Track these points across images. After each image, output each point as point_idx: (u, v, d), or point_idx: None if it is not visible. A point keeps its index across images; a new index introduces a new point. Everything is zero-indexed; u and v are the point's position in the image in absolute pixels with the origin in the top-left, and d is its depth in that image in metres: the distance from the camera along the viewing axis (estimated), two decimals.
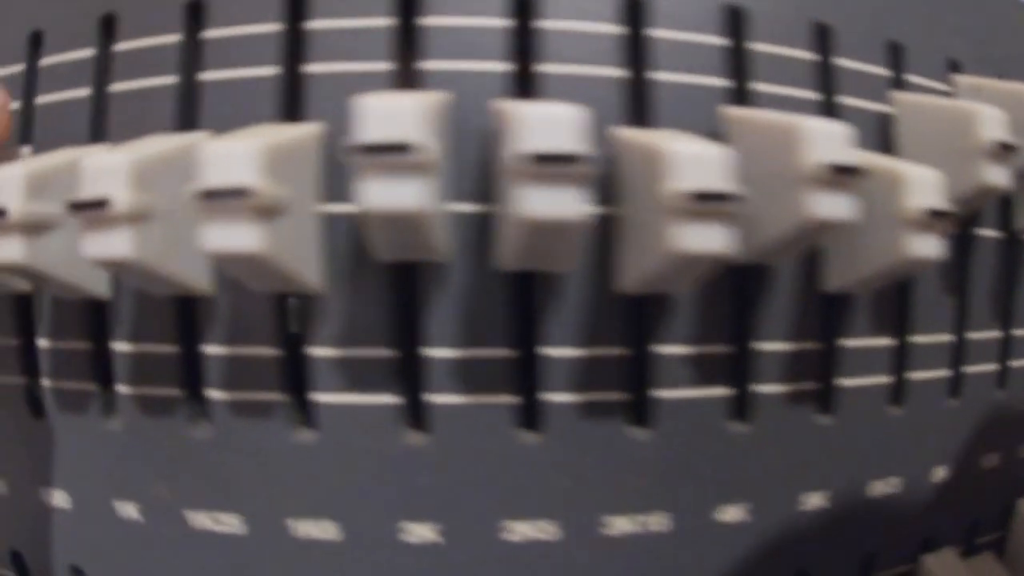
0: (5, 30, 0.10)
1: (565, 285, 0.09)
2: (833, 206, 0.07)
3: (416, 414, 0.09)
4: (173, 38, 0.09)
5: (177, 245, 0.08)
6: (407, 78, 0.09)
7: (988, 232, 0.10)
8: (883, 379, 0.10)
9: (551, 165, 0.06)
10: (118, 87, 0.10)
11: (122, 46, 0.10)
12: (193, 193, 0.07)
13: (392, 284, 0.09)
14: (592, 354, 0.08)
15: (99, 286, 0.09)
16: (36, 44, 0.10)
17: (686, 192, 0.07)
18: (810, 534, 0.10)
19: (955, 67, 0.10)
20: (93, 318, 0.10)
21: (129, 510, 0.10)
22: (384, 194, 0.07)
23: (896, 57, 0.10)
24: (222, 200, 0.07)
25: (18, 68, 0.10)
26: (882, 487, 0.10)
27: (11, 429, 0.11)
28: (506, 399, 0.09)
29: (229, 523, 0.10)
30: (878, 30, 0.10)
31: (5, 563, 0.11)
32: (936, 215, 0.07)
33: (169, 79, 0.09)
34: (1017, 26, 0.11)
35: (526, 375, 0.09)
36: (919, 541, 0.11)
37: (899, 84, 0.10)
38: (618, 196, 0.08)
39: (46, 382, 0.10)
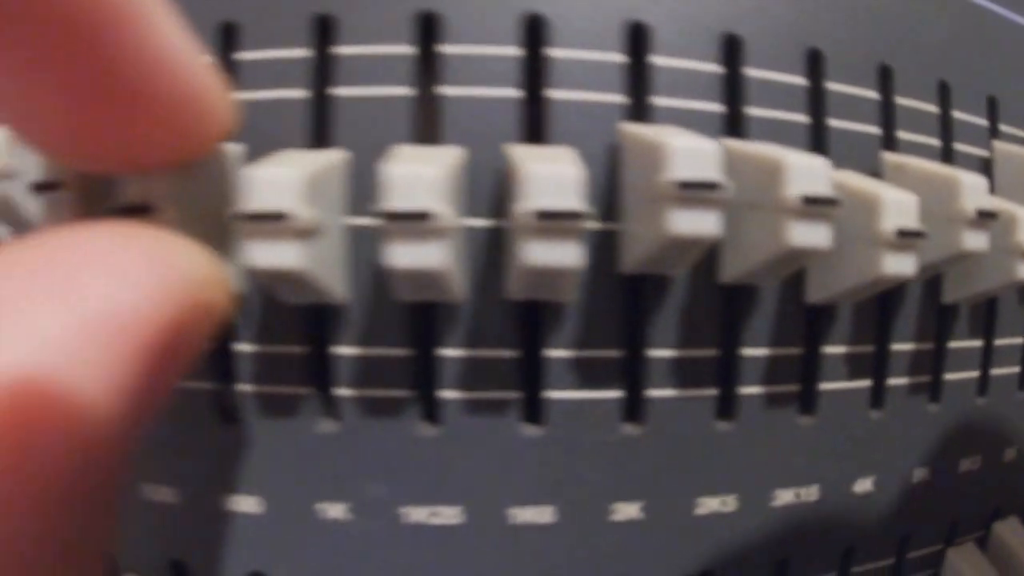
0: None
1: (762, 299, 0.11)
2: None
3: (633, 408, 0.11)
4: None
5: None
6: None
7: None
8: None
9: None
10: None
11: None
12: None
13: (624, 297, 0.11)
14: (777, 354, 0.11)
15: (341, 291, 0.10)
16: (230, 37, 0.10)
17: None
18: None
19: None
20: (311, 322, 0.10)
21: (335, 511, 0.10)
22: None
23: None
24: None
25: None
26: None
27: (189, 437, 0.10)
28: (709, 392, 0.11)
29: (447, 515, 0.10)
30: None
31: (158, 574, 0.11)
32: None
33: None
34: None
35: (725, 373, 0.11)
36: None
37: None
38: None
39: (248, 387, 0.10)
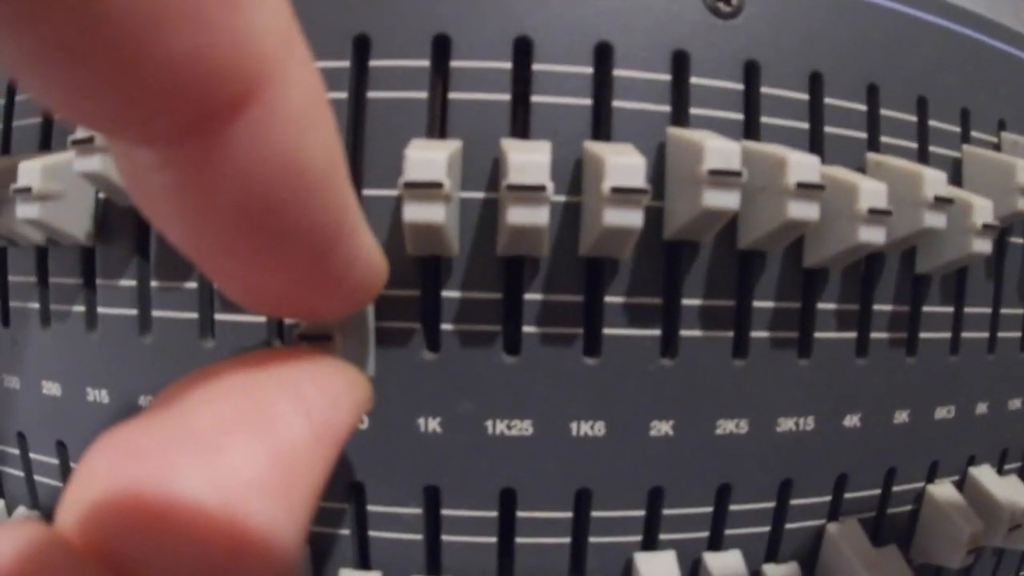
0: None
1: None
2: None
3: (669, 344, 0.14)
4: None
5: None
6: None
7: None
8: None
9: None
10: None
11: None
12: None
13: (664, 258, 0.14)
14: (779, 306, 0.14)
15: (457, 246, 0.13)
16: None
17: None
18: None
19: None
20: (423, 271, 0.13)
21: (432, 424, 0.13)
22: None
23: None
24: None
25: None
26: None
27: None
28: (727, 334, 0.14)
29: (521, 428, 0.13)
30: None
31: None
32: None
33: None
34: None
35: (740, 320, 0.14)
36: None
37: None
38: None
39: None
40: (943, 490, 0.16)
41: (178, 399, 0.08)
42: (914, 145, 0.15)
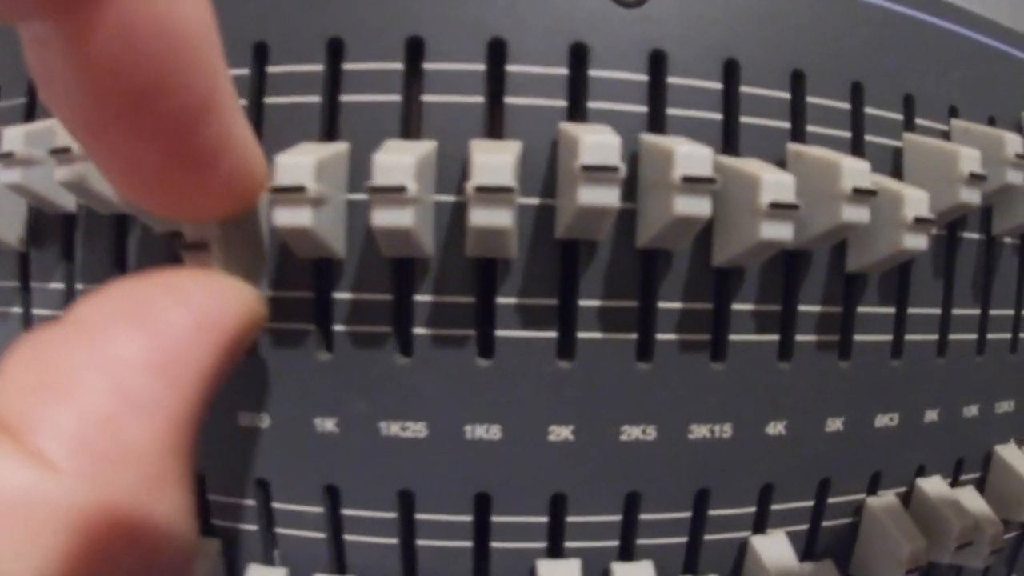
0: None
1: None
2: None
3: (566, 346, 0.13)
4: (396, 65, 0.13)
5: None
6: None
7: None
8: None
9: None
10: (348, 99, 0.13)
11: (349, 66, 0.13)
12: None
13: (560, 260, 0.13)
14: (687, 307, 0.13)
15: (341, 249, 0.13)
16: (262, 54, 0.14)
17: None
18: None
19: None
20: (316, 274, 0.13)
21: (328, 425, 0.13)
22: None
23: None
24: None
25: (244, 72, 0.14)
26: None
27: None
28: (631, 336, 0.13)
29: (415, 430, 0.13)
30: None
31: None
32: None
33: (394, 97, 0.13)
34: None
35: (643, 319, 0.13)
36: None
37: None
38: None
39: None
40: (884, 502, 0.15)
41: (76, 307, 0.09)
42: (848, 135, 0.14)
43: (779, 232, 0.12)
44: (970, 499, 0.16)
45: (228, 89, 0.10)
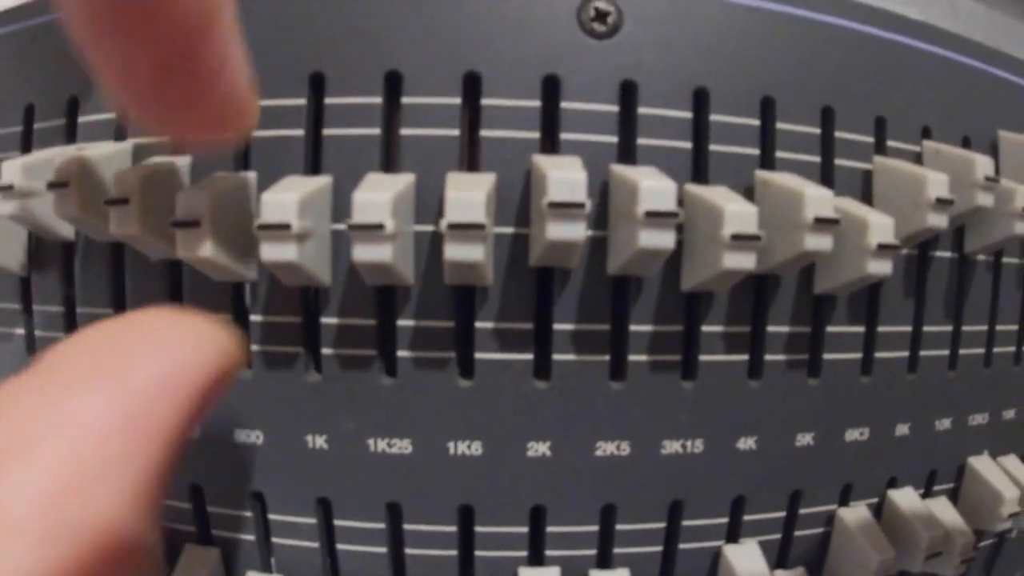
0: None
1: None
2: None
3: (542, 367, 0.14)
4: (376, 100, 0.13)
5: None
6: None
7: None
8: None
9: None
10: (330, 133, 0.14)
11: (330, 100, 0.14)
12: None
13: (535, 286, 0.14)
14: (658, 330, 0.14)
15: (327, 278, 0.13)
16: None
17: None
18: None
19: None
20: (305, 300, 0.14)
21: (319, 441, 0.14)
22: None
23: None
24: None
25: None
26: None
27: None
28: (604, 358, 0.14)
29: (401, 446, 0.14)
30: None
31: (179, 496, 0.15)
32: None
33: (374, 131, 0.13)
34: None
35: (616, 341, 0.14)
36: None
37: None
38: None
39: (257, 347, 0.14)
40: (855, 513, 0.15)
41: (45, 356, 0.09)
42: (818, 159, 0.15)
43: (741, 262, 0.12)
44: (942, 510, 0.16)
45: (231, 13, 0.10)
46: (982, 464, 0.17)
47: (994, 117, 0.16)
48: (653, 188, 0.12)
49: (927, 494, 0.16)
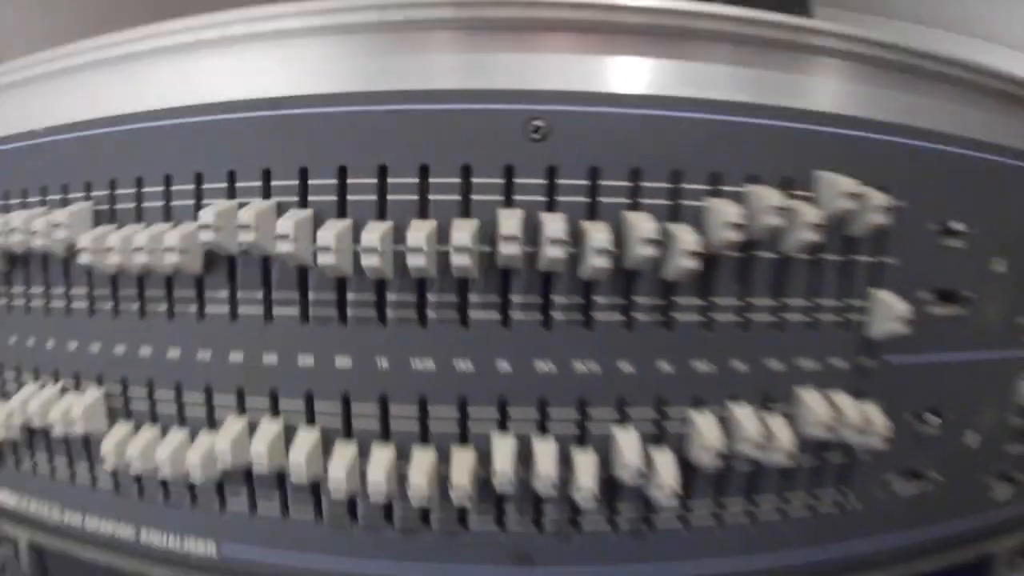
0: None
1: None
2: (648, 251, 0.24)
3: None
4: None
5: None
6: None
7: None
8: None
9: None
10: None
11: None
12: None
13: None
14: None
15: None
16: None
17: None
18: None
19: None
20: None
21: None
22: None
23: None
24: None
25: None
26: None
27: None
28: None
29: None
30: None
31: None
32: (695, 252, 0.24)
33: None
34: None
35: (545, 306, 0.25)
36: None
37: None
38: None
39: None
40: (705, 418, 0.25)
41: None
42: (669, 202, 0.25)
43: (601, 262, 0.23)
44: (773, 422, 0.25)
45: None
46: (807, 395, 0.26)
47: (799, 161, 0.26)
48: (554, 224, 0.23)
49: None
